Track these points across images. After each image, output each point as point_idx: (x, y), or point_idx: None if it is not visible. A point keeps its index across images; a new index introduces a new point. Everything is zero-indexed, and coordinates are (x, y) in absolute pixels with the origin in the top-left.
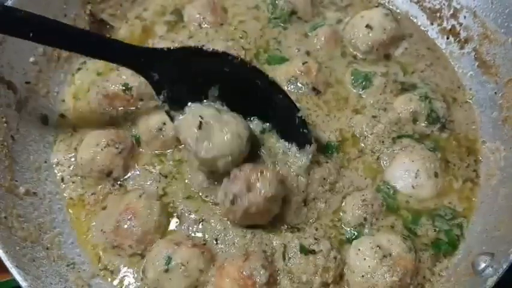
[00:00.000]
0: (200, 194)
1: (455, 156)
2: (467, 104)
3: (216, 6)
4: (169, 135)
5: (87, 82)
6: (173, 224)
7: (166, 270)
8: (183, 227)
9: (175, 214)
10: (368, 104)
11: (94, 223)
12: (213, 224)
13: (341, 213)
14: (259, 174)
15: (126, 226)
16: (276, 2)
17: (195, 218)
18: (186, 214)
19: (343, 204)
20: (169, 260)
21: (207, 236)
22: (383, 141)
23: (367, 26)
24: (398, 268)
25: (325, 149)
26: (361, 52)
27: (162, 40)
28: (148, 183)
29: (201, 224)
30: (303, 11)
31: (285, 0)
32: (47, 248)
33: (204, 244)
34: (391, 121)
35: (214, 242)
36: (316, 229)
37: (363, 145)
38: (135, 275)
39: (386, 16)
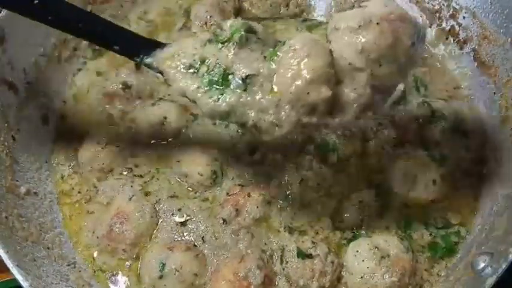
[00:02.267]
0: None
1: (462, 171)
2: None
3: (225, 9)
4: (172, 128)
5: (87, 82)
6: (160, 223)
7: (161, 277)
8: (170, 227)
9: (160, 213)
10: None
11: (85, 223)
12: (200, 222)
13: (338, 215)
14: (246, 196)
15: (118, 230)
16: None
17: (180, 217)
18: (172, 213)
19: (341, 206)
20: (162, 266)
21: (194, 235)
22: (384, 146)
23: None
24: (397, 268)
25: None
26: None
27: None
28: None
29: (187, 223)
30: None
31: None
32: (48, 248)
33: (195, 245)
34: (397, 131)
35: (201, 241)
36: (317, 233)
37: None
38: (131, 279)
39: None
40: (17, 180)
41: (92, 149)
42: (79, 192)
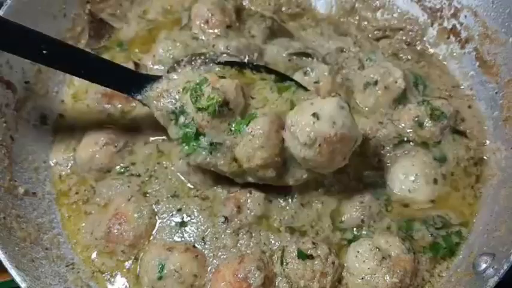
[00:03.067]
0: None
1: (462, 170)
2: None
3: (226, 8)
4: None
5: (86, 82)
6: (159, 224)
7: (160, 278)
8: (169, 228)
9: (159, 213)
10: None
11: (83, 224)
12: (200, 222)
13: (339, 216)
14: (248, 194)
15: (117, 232)
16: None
17: (180, 217)
18: (171, 213)
19: (341, 206)
20: (162, 267)
21: (194, 236)
22: (384, 146)
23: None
24: (398, 269)
25: None
26: (301, 144)
27: (164, 40)
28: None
29: (187, 223)
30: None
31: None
32: (46, 249)
33: (194, 246)
34: (396, 129)
35: (202, 242)
36: (317, 233)
37: (365, 147)
38: (130, 280)
39: (341, 109)
40: (16, 181)
41: (90, 149)
42: (76, 193)
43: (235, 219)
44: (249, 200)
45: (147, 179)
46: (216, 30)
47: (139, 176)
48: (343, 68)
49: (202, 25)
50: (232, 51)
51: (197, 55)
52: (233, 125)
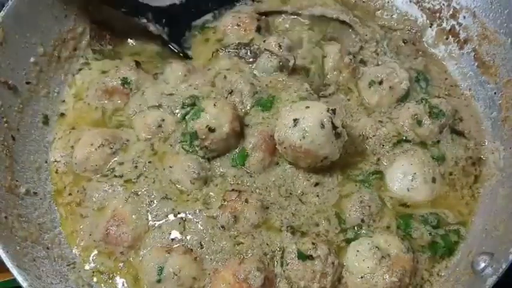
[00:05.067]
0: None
1: (460, 170)
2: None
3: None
4: (169, 130)
5: (87, 81)
6: (157, 226)
7: (159, 281)
8: (167, 230)
9: (157, 216)
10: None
11: (81, 226)
12: (198, 224)
13: (339, 215)
14: (244, 202)
15: (115, 234)
16: None
17: (175, 219)
18: (167, 215)
19: (341, 206)
20: (161, 270)
21: (192, 237)
22: (383, 145)
23: (294, 120)
24: (397, 268)
25: None
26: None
27: None
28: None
29: (183, 225)
30: None
31: None
32: (48, 248)
33: (191, 250)
34: (396, 128)
35: (199, 244)
36: (318, 234)
37: (365, 146)
38: (129, 280)
39: (320, 127)
40: (17, 180)
41: (86, 149)
42: (70, 194)
43: (232, 229)
44: (245, 209)
45: (134, 178)
46: (248, 32)
47: (121, 176)
48: (362, 48)
49: (234, 27)
50: (284, 49)
51: (243, 45)
52: None
